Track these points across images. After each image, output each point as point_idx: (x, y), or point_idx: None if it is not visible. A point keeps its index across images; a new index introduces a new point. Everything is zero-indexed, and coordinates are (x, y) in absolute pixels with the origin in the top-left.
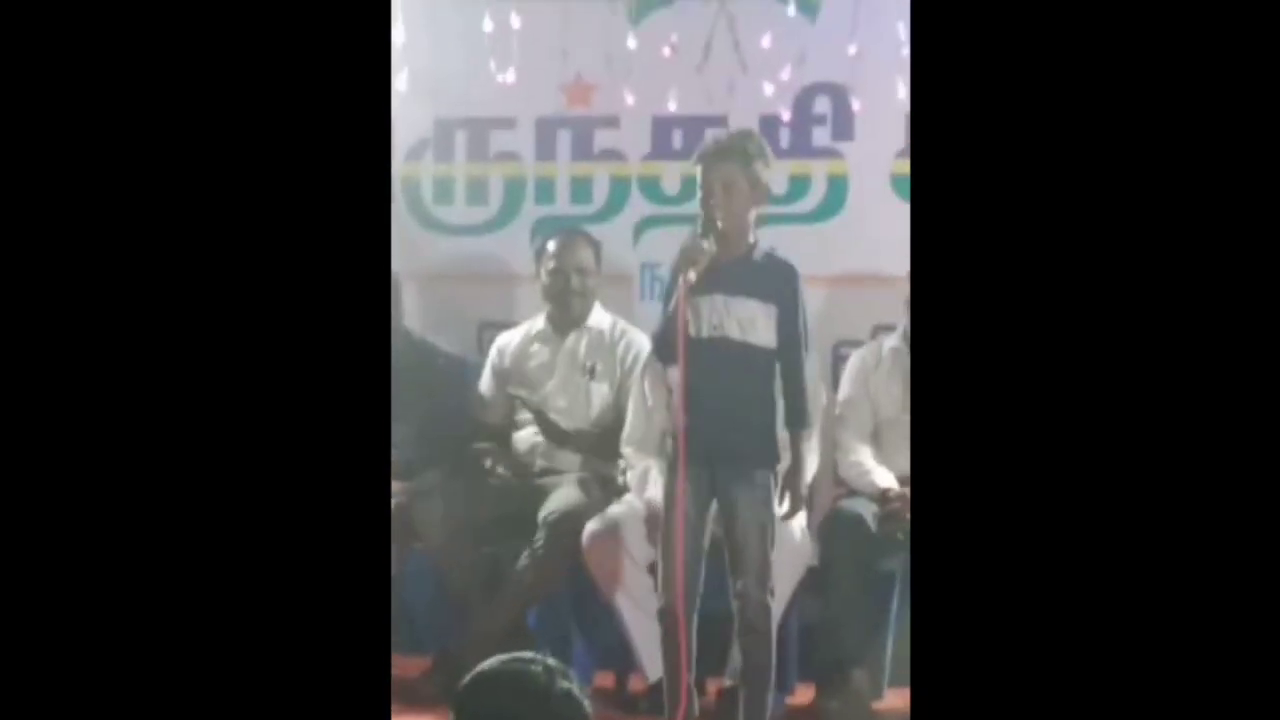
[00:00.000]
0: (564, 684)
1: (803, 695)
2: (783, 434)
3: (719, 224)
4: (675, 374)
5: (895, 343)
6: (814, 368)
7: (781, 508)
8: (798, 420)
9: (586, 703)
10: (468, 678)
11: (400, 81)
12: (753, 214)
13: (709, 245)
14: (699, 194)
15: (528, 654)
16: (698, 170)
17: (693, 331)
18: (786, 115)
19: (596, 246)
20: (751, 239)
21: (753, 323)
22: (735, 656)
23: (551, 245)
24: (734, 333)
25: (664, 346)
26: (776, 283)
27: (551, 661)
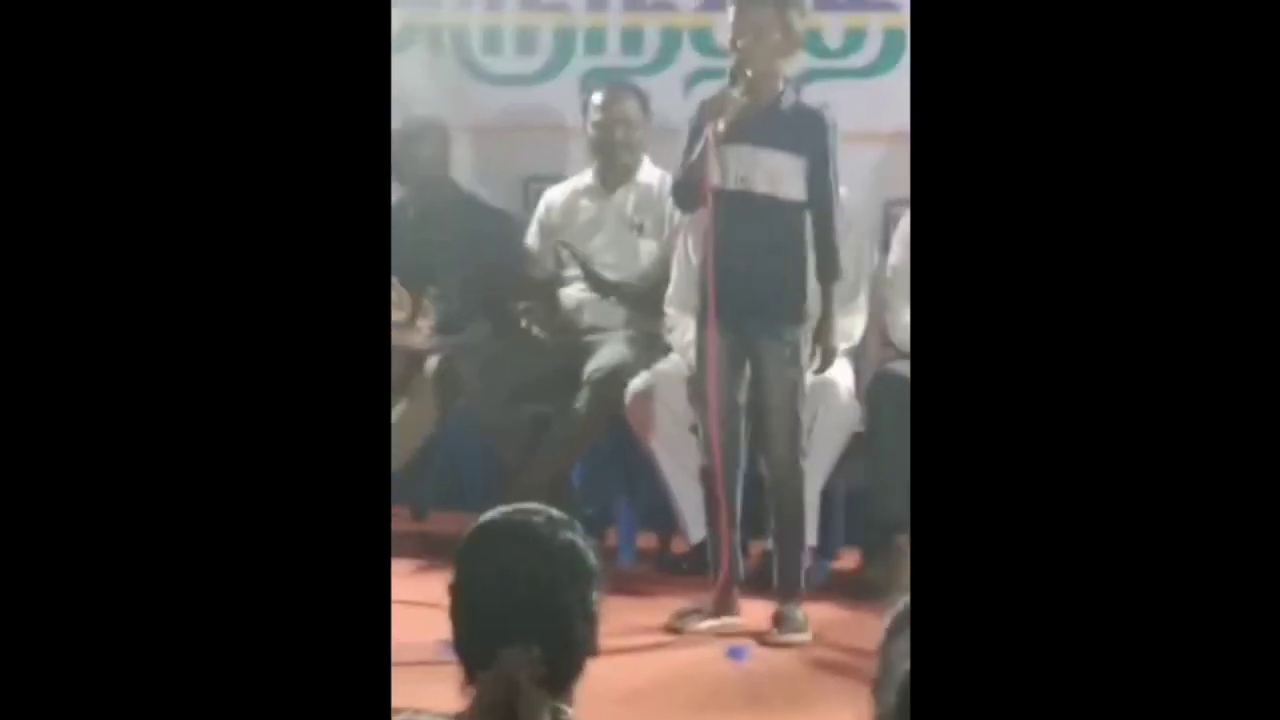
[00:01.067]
0: (567, 534)
1: (848, 560)
2: (814, 289)
3: (748, 71)
4: (702, 225)
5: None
6: (856, 225)
7: (812, 363)
8: (829, 273)
9: (592, 554)
10: (470, 529)
11: None
12: (784, 62)
13: (738, 94)
14: (730, 39)
15: (532, 505)
16: (730, 13)
17: (718, 182)
18: None
19: (644, 99)
20: (781, 87)
21: (780, 175)
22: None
23: (597, 98)
24: (760, 185)
25: (683, 195)
26: (806, 133)
27: (555, 512)
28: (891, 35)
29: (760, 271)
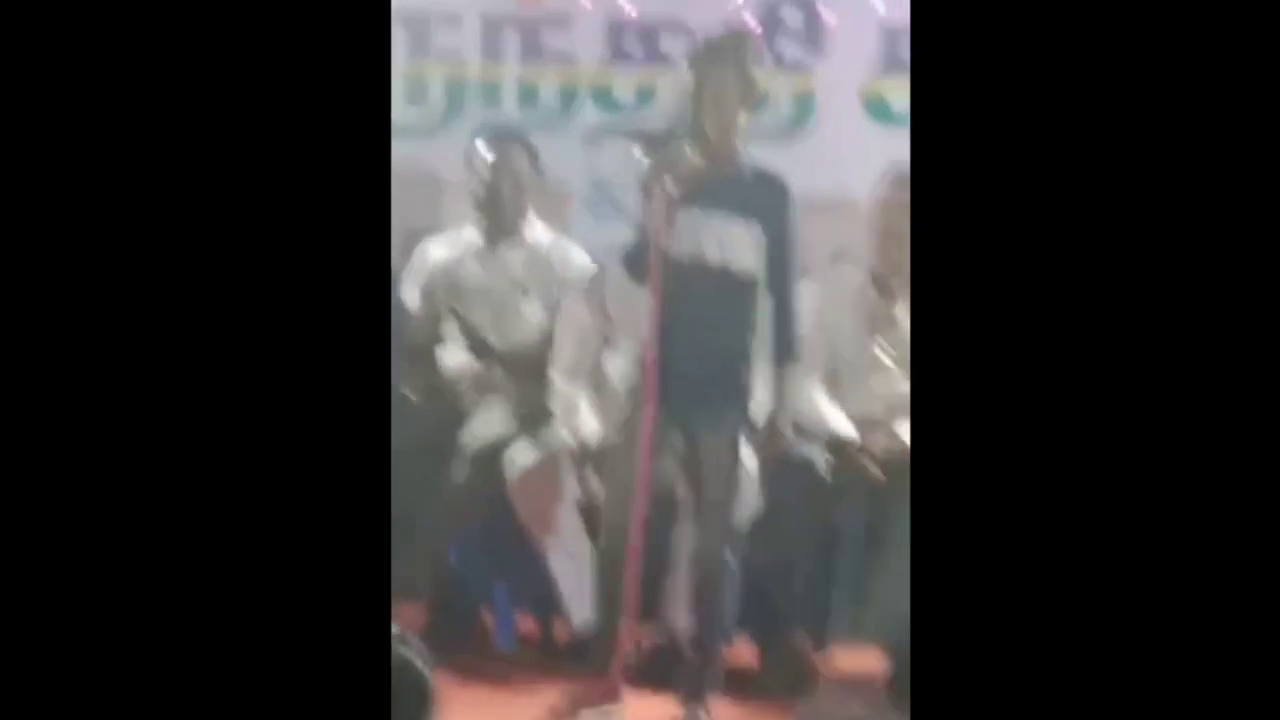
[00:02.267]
0: (401, 651)
1: (744, 652)
2: (762, 371)
3: (706, 130)
4: (645, 295)
5: (858, 274)
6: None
7: (761, 452)
8: (786, 354)
9: (428, 672)
10: None
11: None
12: (742, 120)
13: (693, 155)
14: (690, 99)
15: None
16: (687, 73)
17: (667, 250)
18: (753, 25)
19: (533, 153)
20: (739, 151)
21: (734, 245)
22: (673, 608)
23: (485, 150)
24: (712, 255)
25: (635, 265)
26: (764, 200)
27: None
28: (802, 99)
29: (705, 350)
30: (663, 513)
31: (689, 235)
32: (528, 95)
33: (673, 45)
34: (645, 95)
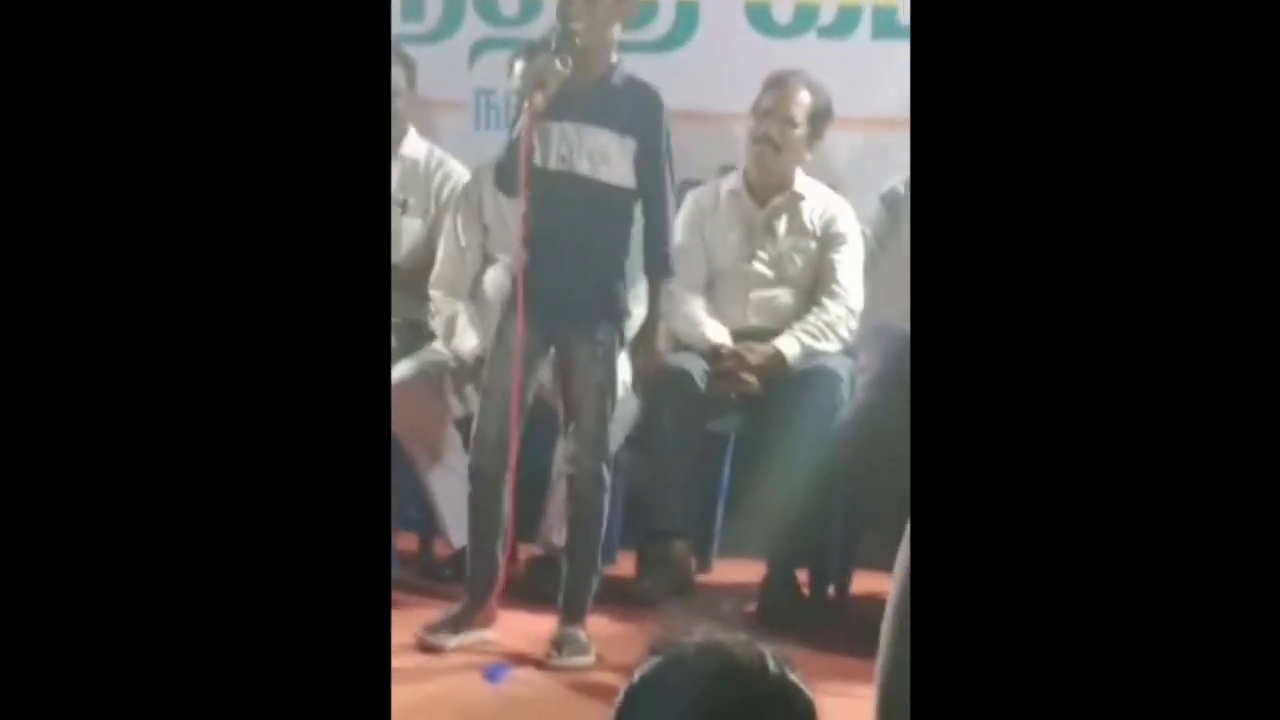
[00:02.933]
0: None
1: (625, 565)
2: (636, 284)
3: (577, 40)
4: (518, 207)
5: (734, 184)
6: None
7: (634, 364)
8: (659, 268)
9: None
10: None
11: None
12: (616, 30)
13: (561, 65)
14: (561, 8)
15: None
16: None
17: (538, 162)
18: None
19: (409, 64)
20: (614, 59)
21: (605, 156)
22: (550, 524)
23: None
24: (583, 167)
25: (505, 177)
26: (637, 111)
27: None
28: (685, 8)
29: (577, 262)
30: (539, 428)
31: (560, 146)
32: (413, 8)
33: None
34: (531, 6)
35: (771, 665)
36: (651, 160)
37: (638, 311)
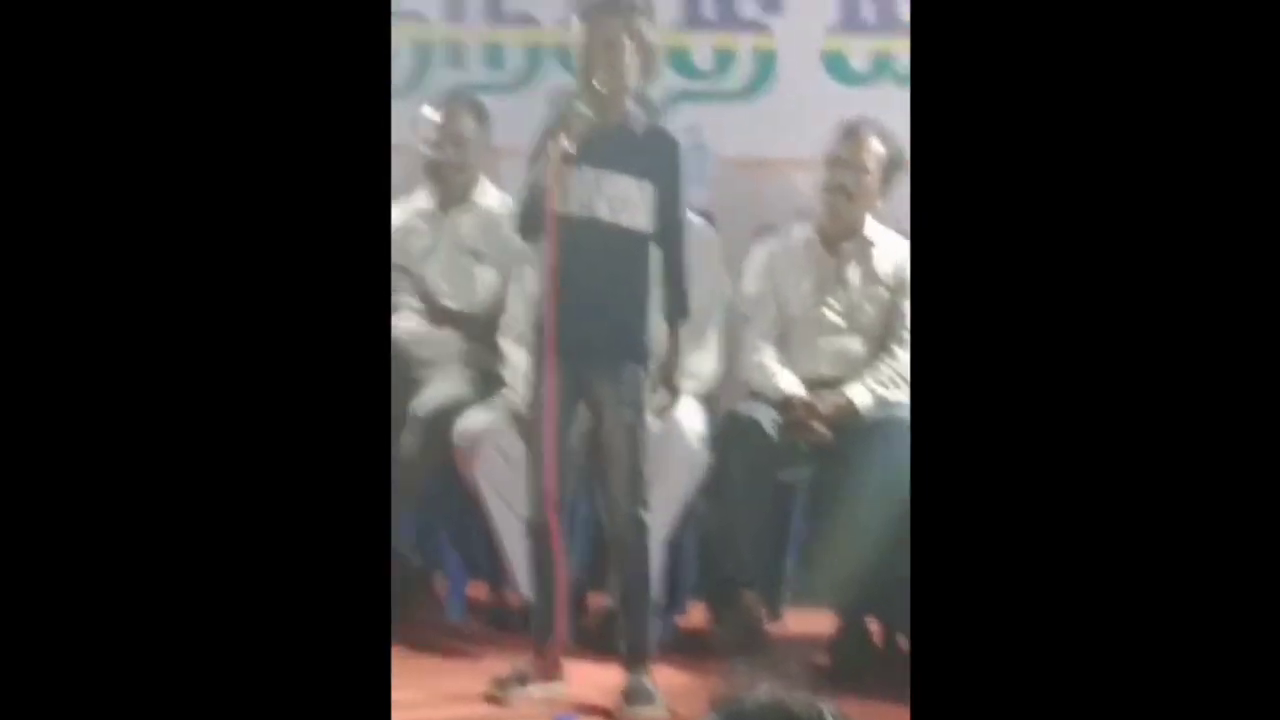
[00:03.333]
0: None
1: (697, 616)
2: (661, 326)
3: (597, 87)
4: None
5: (806, 232)
6: (712, 255)
7: (654, 404)
8: (677, 311)
9: None
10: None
11: None
12: (634, 79)
13: (584, 110)
14: (578, 53)
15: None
16: (576, 26)
17: (560, 208)
18: None
19: (482, 114)
20: (630, 108)
21: (625, 202)
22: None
23: (429, 112)
24: (603, 213)
25: (526, 221)
26: (655, 158)
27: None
28: (763, 57)
29: (600, 305)
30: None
31: (581, 194)
32: (494, 57)
33: None
34: None
35: None
36: (669, 204)
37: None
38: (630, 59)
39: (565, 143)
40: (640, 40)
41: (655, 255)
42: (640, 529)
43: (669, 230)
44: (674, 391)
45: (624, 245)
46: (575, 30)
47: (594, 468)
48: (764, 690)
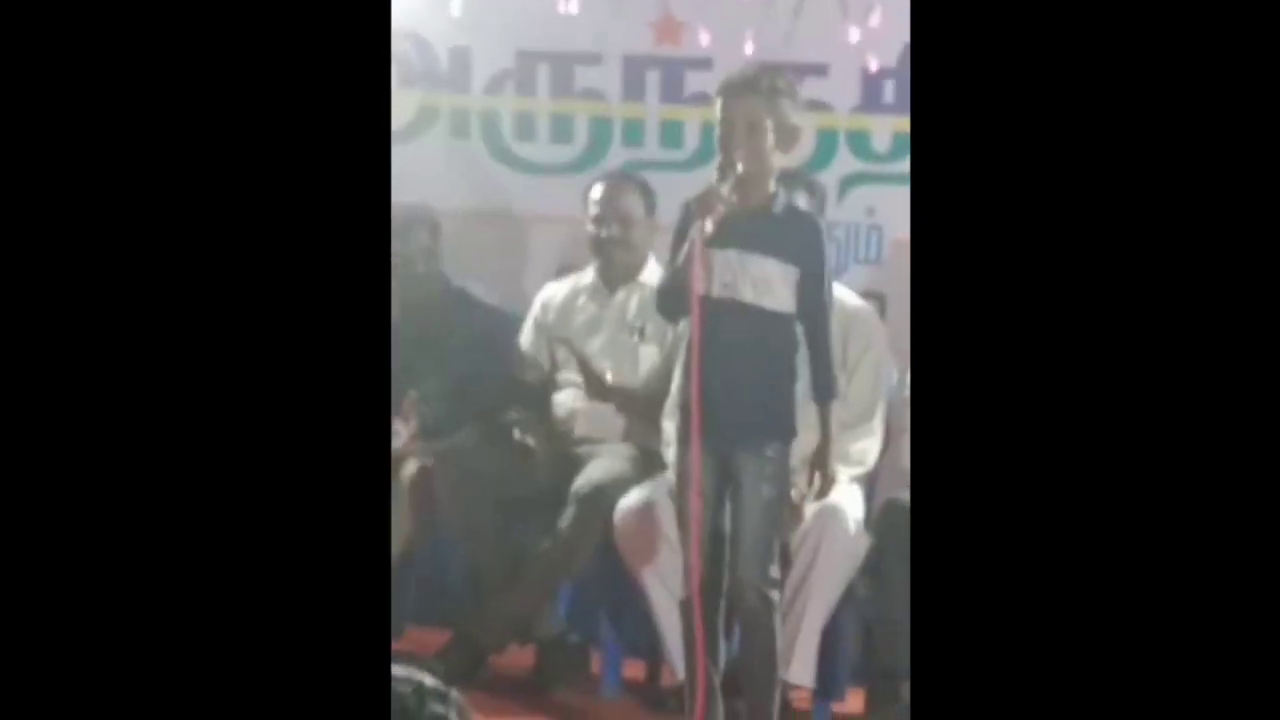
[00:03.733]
0: (436, 708)
1: (853, 703)
2: (809, 408)
3: (738, 168)
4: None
5: None
6: (877, 339)
7: (810, 488)
8: (824, 391)
9: None
10: None
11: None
12: (778, 159)
13: (727, 192)
14: (717, 133)
15: (400, 671)
16: (717, 105)
17: (703, 289)
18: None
19: (647, 193)
20: (772, 189)
21: (768, 284)
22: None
23: (596, 191)
24: (747, 294)
25: (666, 302)
26: (798, 239)
27: (428, 681)
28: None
29: (745, 385)
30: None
31: (724, 274)
32: (671, 136)
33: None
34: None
35: None
36: (814, 286)
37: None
38: (770, 138)
39: (709, 224)
40: (781, 121)
41: (801, 336)
42: (767, 603)
43: (813, 311)
44: (829, 478)
45: (768, 326)
46: (716, 109)
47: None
48: None
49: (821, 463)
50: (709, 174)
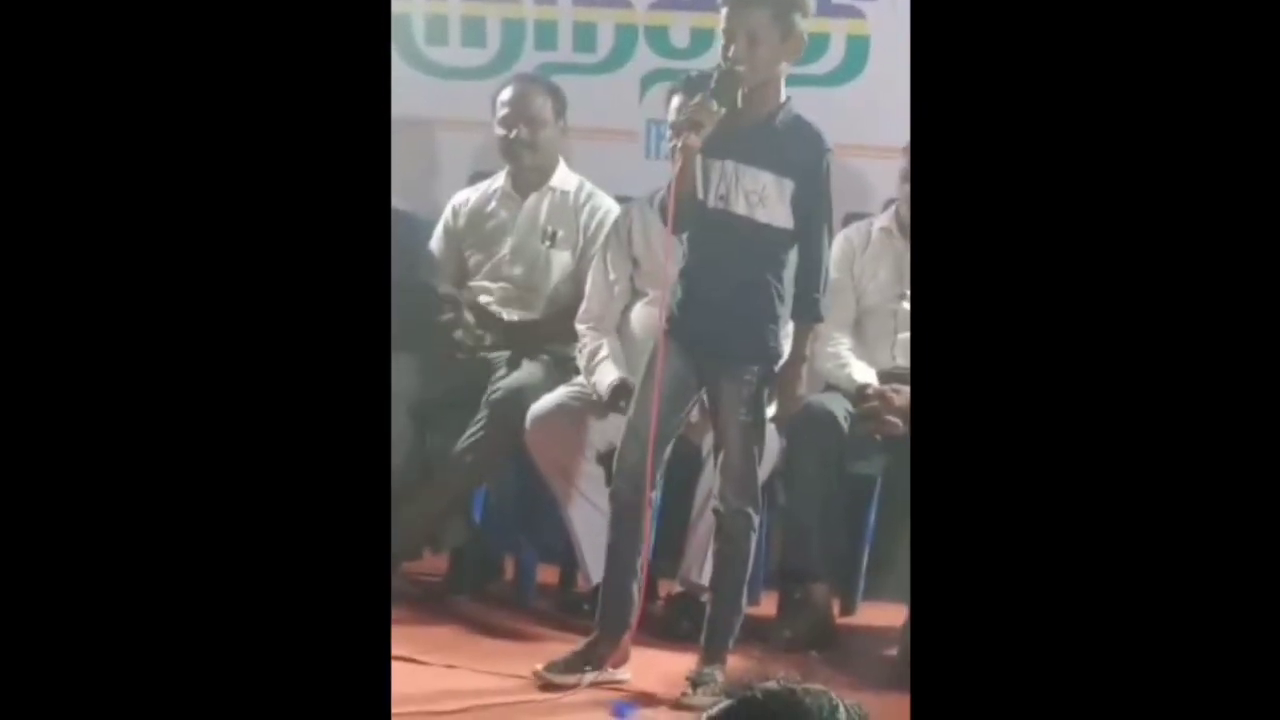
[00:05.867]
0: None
1: (769, 606)
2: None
3: (741, 80)
4: (669, 243)
5: (885, 223)
6: None
7: (771, 408)
8: (809, 312)
9: None
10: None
11: None
12: (783, 69)
13: (716, 106)
14: (724, 42)
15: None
16: (721, 14)
17: (699, 198)
18: None
19: (557, 96)
20: (782, 98)
21: (763, 197)
22: (691, 562)
23: (504, 94)
24: (739, 206)
25: (664, 215)
26: (799, 153)
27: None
28: (855, 43)
29: (730, 301)
30: (683, 464)
31: (719, 185)
32: (585, 39)
33: None
34: (702, 38)
35: (843, 717)
36: (810, 203)
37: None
38: (776, 50)
39: (694, 136)
40: (788, 29)
41: (791, 254)
42: (748, 524)
43: (809, 229)
44: (795, 400)
45: (759, 241)
46: (720, 17)
47: (701, 459)
48: (777, 679)
49: (790, 385)
50: (625, 76)
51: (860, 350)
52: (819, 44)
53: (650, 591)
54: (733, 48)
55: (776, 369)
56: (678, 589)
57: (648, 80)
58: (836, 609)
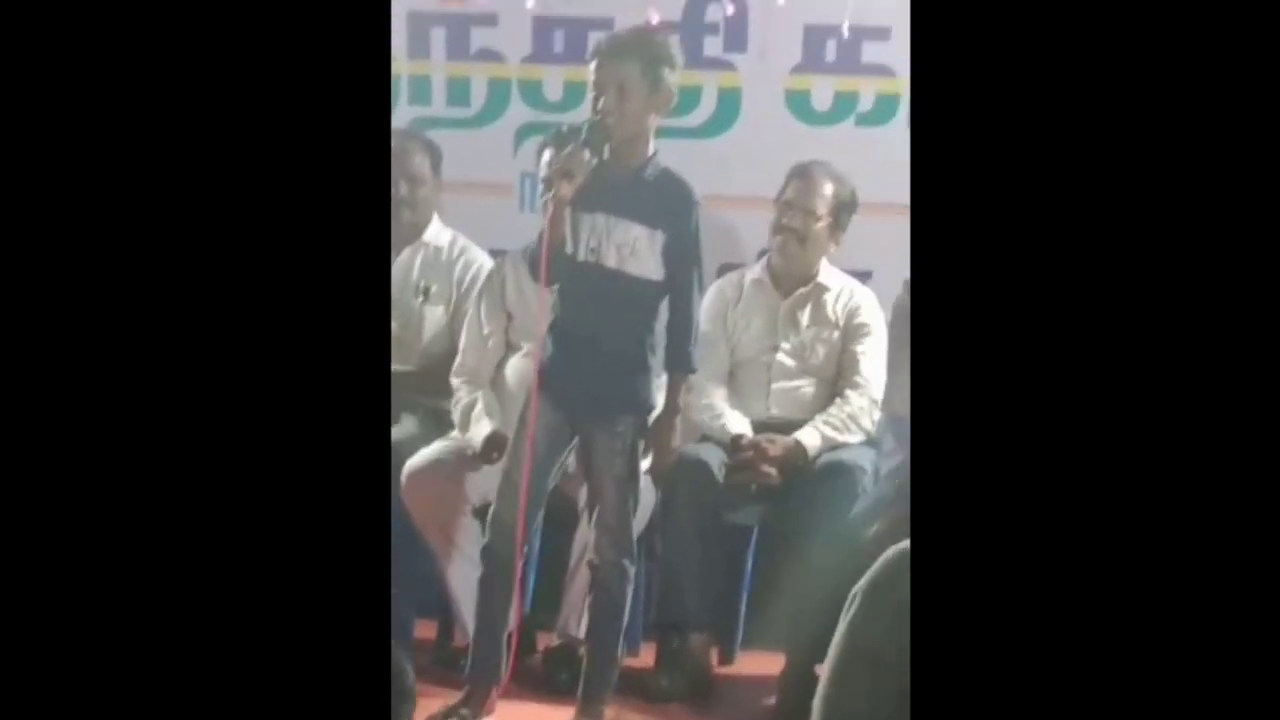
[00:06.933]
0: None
1: (648, 656)
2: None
3: (611, 132)
4: (542, 296)
5: (758, 273)
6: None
7: (646, 460)
8: (681, 364)
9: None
10: None
11: None
12: (651, 122)
13: (588, 156)
14: (594, 96)
15: None
16: (591, 68)
17: (569, 251)
18: (671, 21)
19: (433, 151)
20: (650, 151)
21: (634, 249)
22: (568, 614)
23: None
24: (610, 259)
25: (536, 266)
26: (669, 205)
27: None
28: (727, 95)
29: (602, 353)
30: (558, 517)
31: (590, 238)
32: (459, 93)
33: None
34: (575, 91)
35: None
36: (681, 255)
37: (658, 404)
38: (644, 103)
39: (567, 187)
40: (656, 82)
41: (664, 306)
42: (623, 577)
43: (679, 280)
44: (667, 451)
45: (630, 293)
46: (590, 70)
47: (577, 511)
48: None
49: (662, 436)
50: (498, 130)
51: (735, 400)
52: (691, 96)
53: (529, 644)
54: (602, 100)
55: (650, 420)
56: (556, 641)
57: (522, 133)
58: (715, 658)
